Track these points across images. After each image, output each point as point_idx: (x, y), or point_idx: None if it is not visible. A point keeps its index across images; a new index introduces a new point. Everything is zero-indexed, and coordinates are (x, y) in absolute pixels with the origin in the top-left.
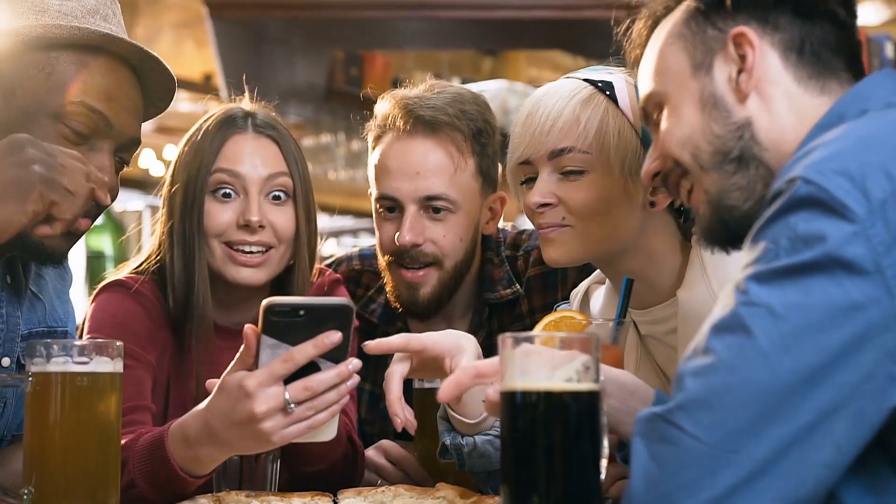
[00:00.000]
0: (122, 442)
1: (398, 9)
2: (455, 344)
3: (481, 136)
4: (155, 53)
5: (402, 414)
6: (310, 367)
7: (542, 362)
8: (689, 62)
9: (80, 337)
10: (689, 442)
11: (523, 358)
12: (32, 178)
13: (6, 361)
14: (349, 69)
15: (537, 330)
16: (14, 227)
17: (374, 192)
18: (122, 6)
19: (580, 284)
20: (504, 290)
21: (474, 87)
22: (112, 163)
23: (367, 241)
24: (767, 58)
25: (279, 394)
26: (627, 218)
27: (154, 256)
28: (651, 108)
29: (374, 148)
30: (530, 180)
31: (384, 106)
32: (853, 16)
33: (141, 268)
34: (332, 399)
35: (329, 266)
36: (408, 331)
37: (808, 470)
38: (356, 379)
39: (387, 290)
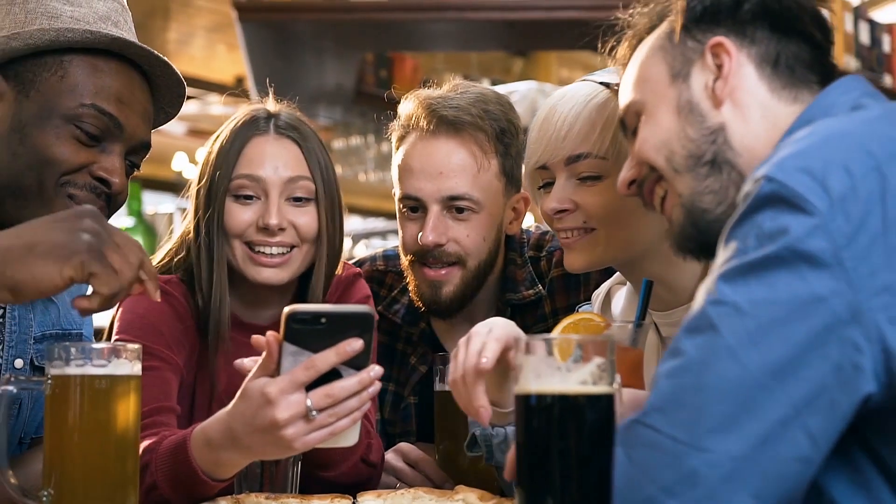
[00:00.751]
0: (146, 444)
1: (425, 10)
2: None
3: (505, 137)
4: (165, 58)
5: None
6: (331, 374)
7: (557, 364)
8: (668, 71)
9: (109, 338)
10: (666, 442)
11: (539, 360)
12: (78, 245)
13: (19, 363)
14: (379, 71)
15: (556, 332)
16: (47, 287)
17: (397, 192)
18: (155, 11)
19: (602, 286)
20: (526, 290)
21: (503, 88)
22: (122, 165)
23: (396, 244)
24: (743, 68)
25: (301, 401)
26: (647, 222)
27: (175, 255)
28: (630, 117)
29: (397, 148)
30: (548, 185)
31: (408, 106)
32: (829, 40)
33: (162, 263)
34: (354, 406)
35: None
36: (431, 331)
37: (784, 465)
38: (377, 386)
39: (409, 288)
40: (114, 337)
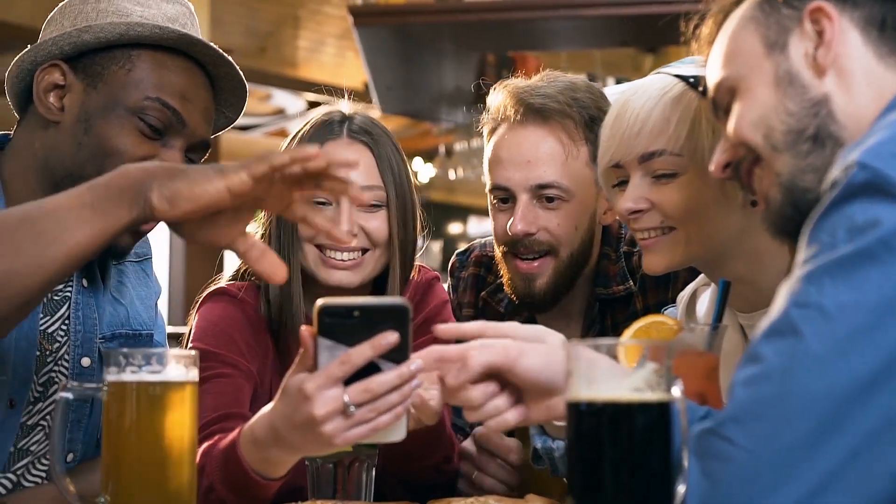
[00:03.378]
0: (203, 447)
1: (539, 9)
2: (534, 336)
3: (594, 124)
4: (228, 57)
5: None
6: (371, 369)
7: (609, 371)
8: (763, 42)
9: (186, 346)
10: (743, 456)
11: (589, 366)
12: (230, 167)
13: (86, 361)
14: (500, 72)
15: (627, 336)
16: (202, 198)
17: (488, 183)
18: (285, 20)
19: (687, 287)
20: (617, 286)
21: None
22: (183, 159)
23: None
24: (846, 33)
25: (338, 396)
26: (727, 219)
27: None
28: (722, 96)
29: (488, 140)
30: (622, 183)
31: (497, 97)
32: None
33: (238, 271)
34: (395, 401)
35: (463, 251)
36: (533, 322)
37: (876, 481)
38: (419, 380)
39: (504, 282)
40: (189, 344)
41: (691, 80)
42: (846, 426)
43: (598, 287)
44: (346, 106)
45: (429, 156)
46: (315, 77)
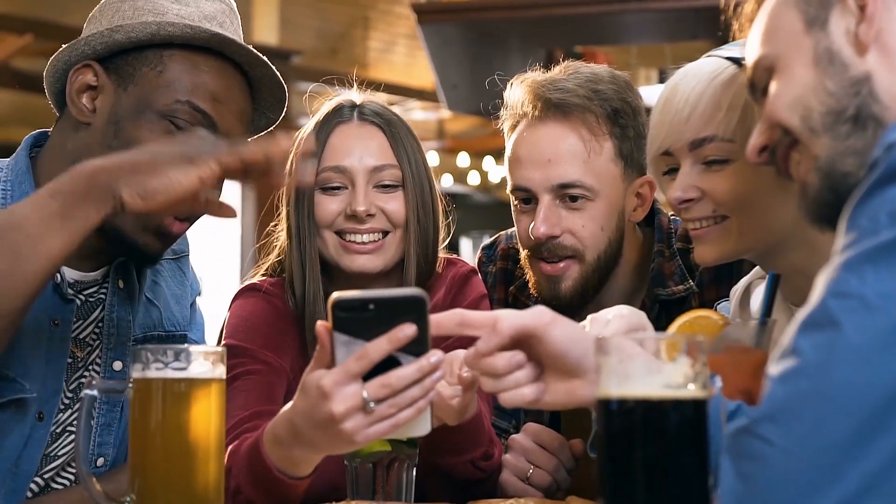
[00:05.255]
0: (231, 447)
1: (609, 3)
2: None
3: (619, 117)
4: (264, 57)
5: None
6: (390, 363)
7: (641, 367)
8: (803, 19)
9: (218, 343)
10: (780, 457)
11: (620, 361)
12: (199, 149)
13: (118, 365)
14: None
15: (671, 331)
16: (176, 191)
17: (509, 184)
18: (355, 21)
19: (741, 280)
20: (676, 286)
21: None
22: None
23: None
24: (891, 9)
25: (357, 392)
26: (782, 208)
27: (276, 257)
28: (760, 75)
29: (508, 137)
30: (672, 171)
31: (515, 93)
32: None
33: (269, 266)
34: (416, 395)
35: (489, 245)
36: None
37: None
38: (440, 373)
39: (529, 284)
40: (221, 340)
41: (744, 62)
42: (891, 423)
43: (657, 287)
44: (356, 95)
45: (499, 155)
46: (386, 77)
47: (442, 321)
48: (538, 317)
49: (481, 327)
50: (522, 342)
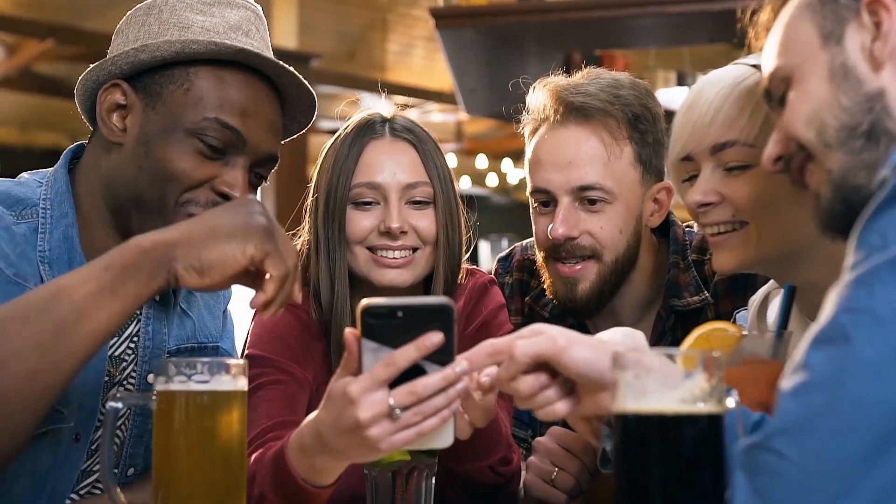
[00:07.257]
0: (255, 456)
1: (627, 7)
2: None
3: (639, 123)
4: (290, 68)
5: None
6: (416, 371)
7: (657, 382)
8: (819, 33)
9: (242, 353)
10: (794, 471)
11: (636, 376)
12: (256, 226)
13: (151, 378)
14: None
15: (686, 344)
16: (231, 266)
17: (528, 186)
18: (374, 24)
19: (759, 291)
20: (691, 297)
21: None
22: (245, 178)
23: None
24: None
25: (383, 399)
26: (801, 214)
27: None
28: (776, 85)
29: (529, 141)
30: (693, 178)
31: (537, 97)
32: None
33: None
34: (441, 404)
35: (504, 256)
36: (580, 328)
37: None
38: (464, 383)
39: (545, 286)
40: (245, 351)
41: None
42: None
43: (672, 298)
44: (385, 108)
45: (518, 157)
46: (404, 80)
47: (473, 357)
48: (552, 343)
49: (504, 354)
50: (543, 364)
